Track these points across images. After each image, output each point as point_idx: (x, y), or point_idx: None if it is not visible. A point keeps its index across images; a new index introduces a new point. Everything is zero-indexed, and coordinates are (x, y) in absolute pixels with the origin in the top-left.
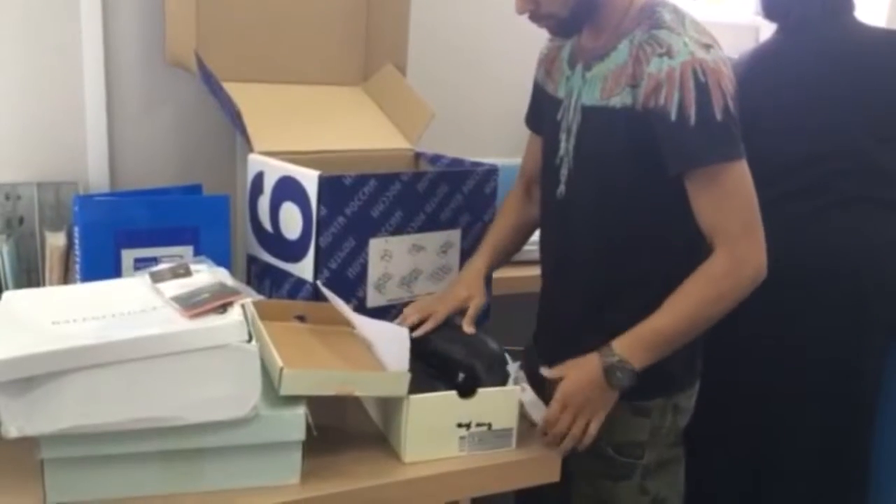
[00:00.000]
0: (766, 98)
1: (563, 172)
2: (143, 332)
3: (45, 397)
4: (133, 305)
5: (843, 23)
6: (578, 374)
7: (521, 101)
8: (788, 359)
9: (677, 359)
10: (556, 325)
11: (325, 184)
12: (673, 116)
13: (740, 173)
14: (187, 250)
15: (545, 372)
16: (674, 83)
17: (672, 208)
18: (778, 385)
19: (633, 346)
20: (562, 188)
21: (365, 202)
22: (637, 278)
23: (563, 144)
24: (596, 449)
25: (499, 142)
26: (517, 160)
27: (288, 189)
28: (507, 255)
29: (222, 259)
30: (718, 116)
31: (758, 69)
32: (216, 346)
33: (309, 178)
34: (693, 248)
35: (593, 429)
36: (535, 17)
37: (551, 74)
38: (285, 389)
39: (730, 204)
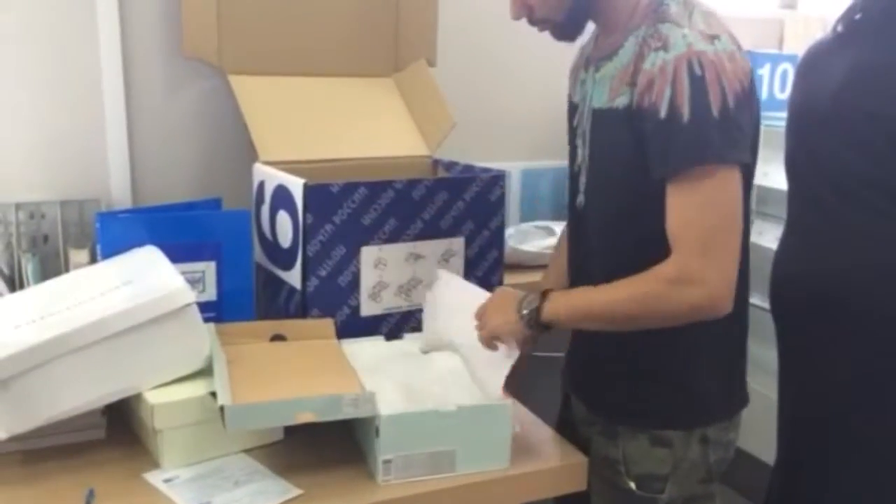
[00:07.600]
0: (794, 101)
1: (582, 181)
2: (87, 320)
3: (16, 398)
4: (82, 295)
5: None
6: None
7: (546, 105)
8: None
9: (704, 385)
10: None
11: (310, 192)
12: (662, 114)
13: (726, 180)
14: (210, 265)
15: None
16: (666, 78)
17: None
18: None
19: (556, 298)
20: (581, 197)
21: (355, 210)
22: None
23: (580, 151)
24: (615, 481)
25: (523, 145)
26: (540, 163)
27: (281, 197)
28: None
29: (244, 273)
30: (715, 114)
31: (800, 69)
32: (160, 315)
33: (296, 186)
34: None
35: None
36: (532, 22)
37: (575, 82)
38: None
39: (698, 213)
